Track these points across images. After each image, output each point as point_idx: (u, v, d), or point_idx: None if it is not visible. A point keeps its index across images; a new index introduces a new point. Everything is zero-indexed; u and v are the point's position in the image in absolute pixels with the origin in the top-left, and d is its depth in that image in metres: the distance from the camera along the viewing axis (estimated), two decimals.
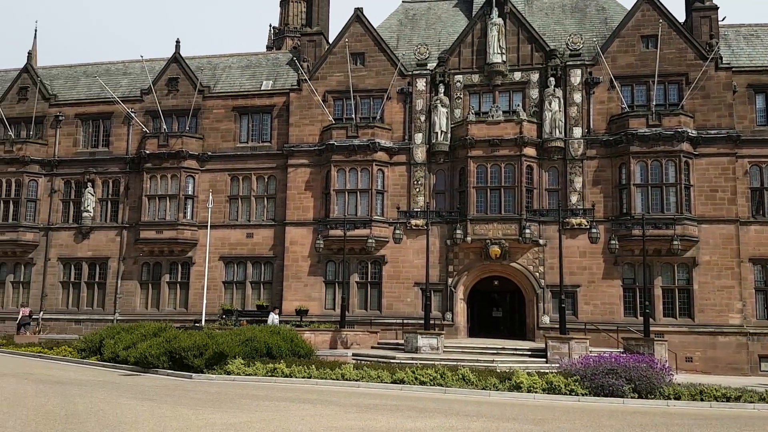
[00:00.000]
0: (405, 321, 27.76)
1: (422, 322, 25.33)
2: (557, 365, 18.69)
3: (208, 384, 15.99)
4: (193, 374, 17.22)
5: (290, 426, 10.07)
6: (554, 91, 28.26)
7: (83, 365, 20.02)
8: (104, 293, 32.76)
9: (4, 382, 14.51)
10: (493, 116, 28.37)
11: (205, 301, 29.63)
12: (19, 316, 29.93)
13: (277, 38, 65.68)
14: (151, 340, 19.14)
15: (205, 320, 28.49)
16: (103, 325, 27.66)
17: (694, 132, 26.91)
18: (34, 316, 31.69)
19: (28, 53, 38.49)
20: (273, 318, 24.33)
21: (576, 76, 28.59)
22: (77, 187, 33.88)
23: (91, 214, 33.19)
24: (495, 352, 23.10)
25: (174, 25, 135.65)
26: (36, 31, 45.57)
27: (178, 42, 34.05)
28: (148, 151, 32.09)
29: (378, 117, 30.30)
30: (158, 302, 31.98)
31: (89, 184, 33.32)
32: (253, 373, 17.15)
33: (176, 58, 33.86)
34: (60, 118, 34.44)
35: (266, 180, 31.90)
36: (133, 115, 33.11)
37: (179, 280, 32.04)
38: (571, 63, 28.72)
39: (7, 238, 33.14)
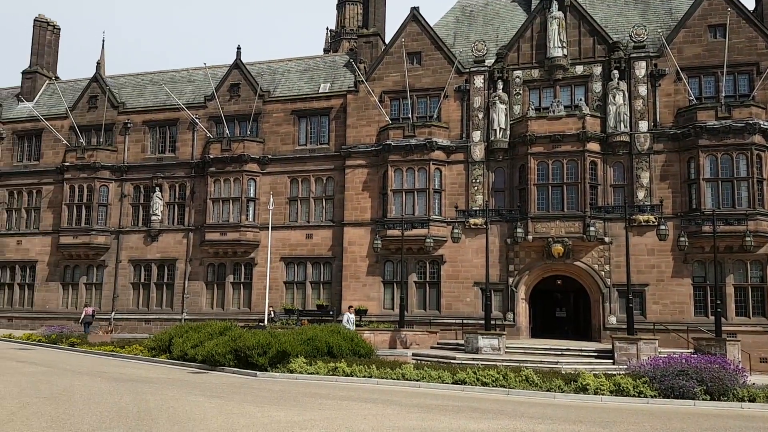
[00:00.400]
0: (464, 321, 27.50)
1: (482, 322, 25.01)
2: (625, 367, 18.10)
3: (272, 382, 16.25)
4: (258, 372, 17.54)
5: (353, 425, 10.10)
6: (618, 84, 27.43)
7: (153, 363, 20.71)
8: (172, 293, 33.88)
9: (79, 380, 15.17)
10: (554, 111, 27.78)
11: (267, 301, 30.20)
12: (83, 315, 31.41)
13: (333, 41, 66.35)
14: (217, 339, 19.63)
15: (268, 319, 29.05)
16: (171, 325, 28.59)
17: (766, 123, 25.58)
18: (106, 317, 33.10)
19: (97, 63, 40.25)
20: (348, 317, 24.06)
21: (641, 69, 27.66)
22: (146, 191, 35.18)
23: (159, 218, 34.38)
24: (559, 353, 22.56)
25: (235, 32, 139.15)
26: (104, 41, 47.79)
27: (239, 49, 34.90)
28: (211, 156, 33.00)
29: (435, 116, 30.16)
30: (223, 302, 32.83)
31: (157, 188, 34.53)
32: (315, 372, 17.33)
33: (237, 65, 34.69)
34: (128, 125, 35.83)
35: (324, 181, 32.26)
36: (197, 121, 34.13)
37: (242, 280, 32.80)
38: (635, 55, 27.80)
39: (81, 241, 34.72)
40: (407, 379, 16.59)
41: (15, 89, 41.20)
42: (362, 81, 31.26)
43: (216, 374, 17.84)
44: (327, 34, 68.98)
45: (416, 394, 14.88)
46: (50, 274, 35.87)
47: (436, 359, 21.29)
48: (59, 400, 11.69)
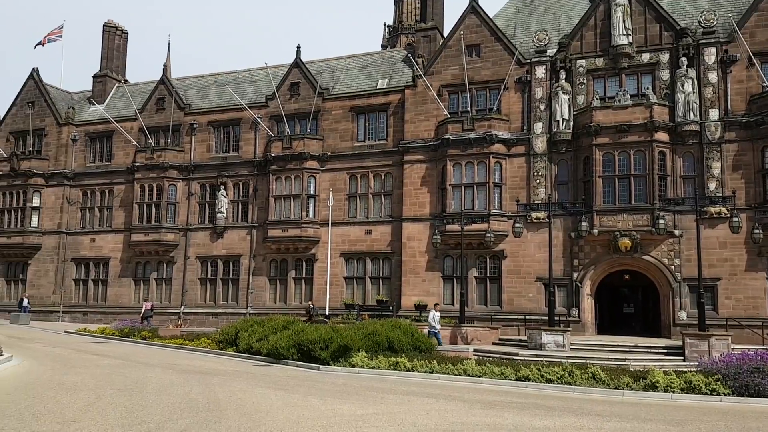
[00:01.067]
0: (527, 317, 27.04)
1: (545, 318, 24.52)
2: (696, 364, 17.37)
3: (335, 376, 16.43)
4: (320, 366, 17.78)
5: (416, 420, 10.08)
6: (687, 71, 26.30)
7: (221, 356, 21.31)
8: (237, 288, 34.78)
9: (151, 372, 15.75)
10: (619, 101, 26.90)
11: (328, 296, 30.58)
12: (143, 310, 32.65)
13: (391, 36, 66.37)
14: (280, 333, 20.01)
15: (329, 314, 29.40)
16: (237, 319, 29.36)
17: None
18: (175, 311, 34.34)
19: (164, 66, 41.68)
20: (434, 315, 22.83)
21: (710, 55, 26.43)
22: (211, 189, 36.21)
23: (224, 215, 35.32)
24: (627, 350, 21.89)
25: (295, 31, 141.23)
26: (169, 44, 49.38)
27: (298, 48, 35.38)
28: (273, 154, 33.63)
29: (494, 108, 29.73)
30: (285, 297, 33.45)
31: (222, 186, 35.49)
32: (376, 367, 17.41)
33: (297, 64, 35.19)
34: (194, 125, 36.94)
35: (383, 177, 32.35)
36: (259, 120, 34.84)
37: (304, 275, 33.32)
38: (704, 41, 26.59)
39: (151, 238, 36.06)
40: (469, 375, 16.46)
41: (87, 93, 43.13)
42: (420, 75, 31.15)
43: (280, 367, 18.19)
44: (384, 29, 69.05)
45: (478, 390, 14.73)
46: (122, 270, 37.43)
47: (498, 355, 21.03)
48: (132, 391, 12.17)
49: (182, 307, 35.28)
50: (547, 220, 26.31)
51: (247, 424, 9.15)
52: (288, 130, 34.20)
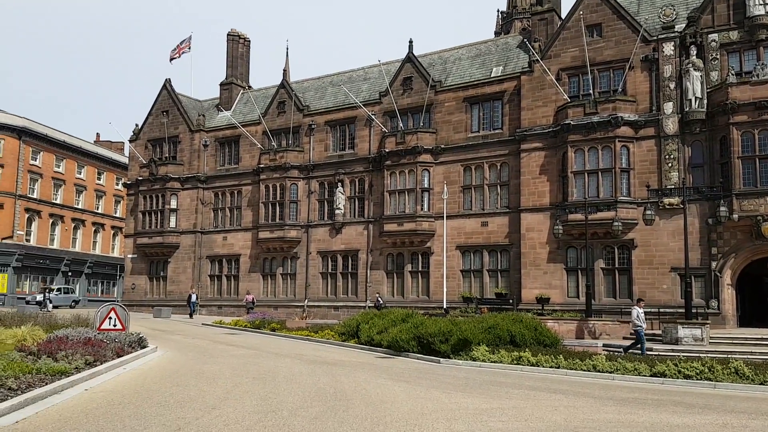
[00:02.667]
0: (660, 310, 25.39)
1: (682, 311, 22.92)
2: None
3: (456, 369, 16.28)
4: (441, 359, 17.70)
5: (544, 415, 9.72)
6: None
7: (343, 347, 21.84)
8: (356, 282, 35.60)
9: (281, 362, 16.44)
10: (758, 75, 24.58)
11: (445, 289, 30.45)
12: (246, 301, 35.05)
13: (505, 22, 64.97)
14: (400, 326, 20.16)
15: (447, 307, 29.26)
16: (357, 311, 30.03)
17: None
18: (300, 304, 35.81)
19: (283, 70, 43.43)
20: (638, 312, 19.54)
21: None
22: (329, 187, 37.31)
23: (342, 211, 36.26)
24: None
25: (407, 25, 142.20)
26: (287, 49, 51.36)
27: (410, 42, 35.46)
28: (387, 150, 34.01)
29: (619, 89, 28.18)
30: (402, 290, 33.76)
31: (339, 183, 36.45)
32: (498, 361, 17.04)
33: (409, 58, 35.31)
34: (312, 126, 38.19)
35: (498, 167, 31.68)
36: (373, 117, 35.37)
37: (420, 269, 33.44)
38: None
39: (276, 235, 37.77)
40: (599, 371, 15.67)
41: (215, 100, 45.91)
42: (537, 60, 30.13)
43: (401, 359, 18.32)
44: (498, 16, 67.69)
45: (609, 386, 13.98)
46: (251, 266, 39.52)
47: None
48: (266, 379, 12.74)
49: (306, 300, 36.64)
50: (682, 206, 24.52)
51: (374, 414, 9.26)
52: (401, 125, 34.42)
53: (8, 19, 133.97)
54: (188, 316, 37.33)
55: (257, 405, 9.76)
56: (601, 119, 27.54)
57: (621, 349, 19.38)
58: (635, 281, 27.05)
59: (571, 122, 28.18)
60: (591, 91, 28.76)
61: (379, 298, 32.97)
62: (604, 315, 25.68)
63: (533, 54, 30.48)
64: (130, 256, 44.30)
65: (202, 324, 32.13)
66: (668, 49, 27.29)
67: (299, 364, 15.77)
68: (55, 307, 41.53)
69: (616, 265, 27.76)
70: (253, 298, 36.48)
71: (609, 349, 20.37)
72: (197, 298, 38.95)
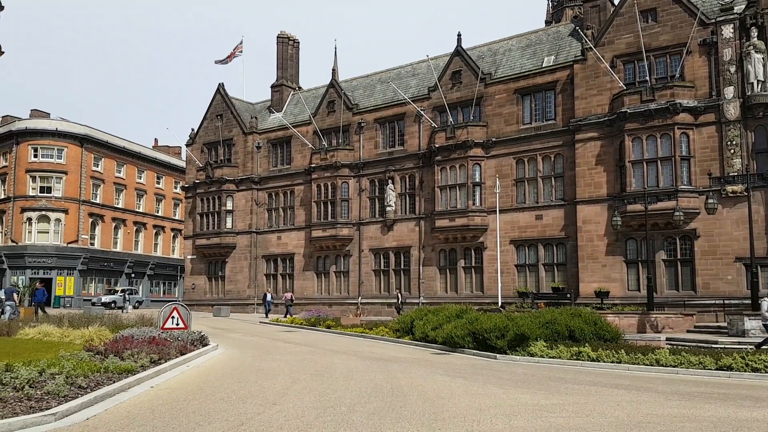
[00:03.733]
0: (725, 301, 24.42)
1: (748, 302, 21.98)
2: None
3: (513, 365, 16.08)
4: (497, 355, 17.51)
5: (606, 411, 9.49)
6: None
7: (398, 344, 21.88)
8: (409, 279, 35.60)
9: (337, 358, 16.60)
10: None
11: (500, 285, 30.09)
12: (284, 300, 36.01)
13: (555, 11, 63.71)
14: (455, 322, 20.03)
15: (502, 303, 28.93)
16: (410, 308, 30.04)
17: None
18: (354, 301, 36.09)
19: (332, 70, 43.73)
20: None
21: None
22: (380, 184, 37.43)
23: (393, 208, 36.33)
24: None
25: (456, 19, 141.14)
26: (336, 48, 51.78)
27: (459, 36, 35.19)
28: (437, 145, 33.85)
29: (677, 75, 27.22)
30: (456, 286, 33.55)
31: (389, 181, 36.53)
32: (557, 356, 16.73)
33: (458, 52, 35.03)
34: (362, 124, 38.38)
35: (552, 159, 31.10)
36: (422, 112, 35.26)
37: (473, 264, 33.18)
38: None
39: (328, 234, 38.16)
40: (662, 365, 15.19)
41: (266, 102, 46.71)
42: (590, 48, 29.40)
43: (456, 355, 18.22)
44: (548, 4, 66.43)
45: (673, 380, 13.54)
46: (305, 264, 40.06)
47: (694, 344, 19.21)
48: (323, 376, 12.90)
49: (359, 297, 36.88)
50: (746, 194, 23.52)
51: (431, 410, 9.24)
52: (451, 119, 34.18)
53: (69, 30, 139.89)
54: (264, 315, 37.45)
55: (316, 401, 9.88)
56: (659, 106, 26.65)
57: (753, 346, 17.62)
58: (698, 272, 26.10)
59: (628, 110, 27.38)
60: (647, 78, 27.88)
61: (399, 293, 33.45)
62: (666, 308, 24.88)
63: (586, 42, 29.75)
64: (189, 256, 45.60)
65: (260, 322, 32.78)
66: (727, 31, 26.18)
67: (355, 361, 15.89)
68: (119, 307, 43.20)
69: (678, 257, 26.85)
70: (291, 296, 37.06)
71: (672, 342, 19.75)
72: (271, 298, 38.56)
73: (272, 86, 45.80)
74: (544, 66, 32.17)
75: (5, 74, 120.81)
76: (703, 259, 26.12)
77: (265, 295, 38.59)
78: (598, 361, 16.04)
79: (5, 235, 52.64)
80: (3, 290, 30.16)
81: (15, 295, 28.48)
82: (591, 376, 13.88)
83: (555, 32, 34.84)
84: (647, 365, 15.40)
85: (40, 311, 28.71)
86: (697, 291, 26.06)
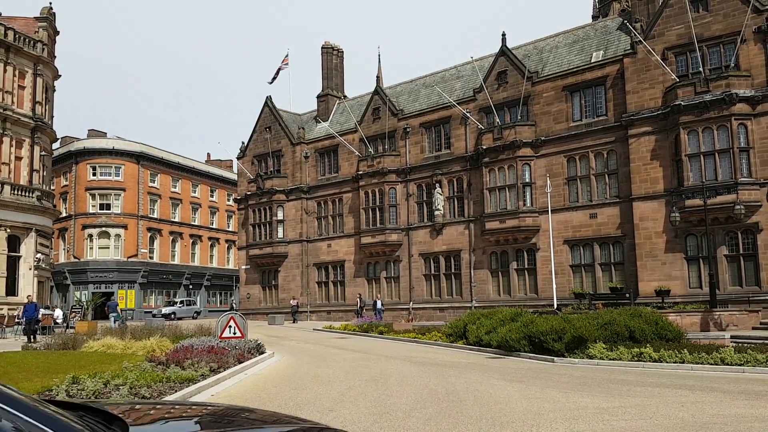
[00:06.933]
0: None
1: None
2: None
3: (572, 368, 15.74)
4: (555, 358, 17.17)
5: (670, 412, 9.17)
6: None
7: (451, 348, 21.73)
8: (460, 282, 35.33)
9: (391, 364, 16.60)
10: None
11: (554, 286, 29.53)
12: (291, 307, 37.79)
13: (602, 5, 62.31)
14: (509, 325, 19.76)
15: (558, 305, 28.37)
16: (462, 312, 29.78)
17: None
18: (405, 307, 36.04)
19: (377, 77, 43.96)
20: None
21: None
22: (427, 189, 37.35)
23: (441, 212, 36.17)
24: None
25: (500, 19, 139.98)
26: (379, 56, 52.05)
27: (503, 35, 34.82)
28: (484, 146, 33.55)
29: (732, 65, 26.22)
30: (509, 288, 33.10)
31: (437, 184, 36.39)
32: (617, 358, 16.29)
33: (503, 51, 34.69)
34: (407, 129, 38.41)
35: (605, 156, 30.38)
36: (468, 114, 35.04)
37: (526, 266, 32.67)
38: None
39: (377, 240, 38.28)
40: (727, 364, 14.61)
41: (312, 112, 47.31)
42: (640, 41, 28.65)
43: (512, 359, 17.96)
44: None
45: (740, 380, 13.01)
46: (356, 271, 40.29)
47: (761, 341, 18.39)
48: (378, 381, 12.92)
49: (411, 302, 36.81)
50: None
51: (488, 415, 9.12)
52: (498, 120, 33.84)
53: (121, 51, 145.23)
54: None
55: (372, 406, 9.90)
56: (714, 97, 25.73)
57: (747, 340, 17.74)
58: (762, 267, 25.01)
59: (682, 103, 26.53)
60: (701, 69, 26.96)
61: (359, 295, 34.98)
62: (730, 305, 23.92)
63: (635, 35, 29.00)
64: (243, 267, 46.52)
65: (313, 329, 33.12)
66: None
67: (409, 366, 15.85)
68: (178, 318, 44.36)
69: (741, 251, 25.79)
70: (297, 303, 38.75)
71: (738, 340, 18.97)
72: (382, 304, 36.33)
73: (318, 96, 46.37)
74: (592, 61, 31.51)
75: (63, 96, 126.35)
76: (767, 253, 25.00)
77: (375, 302, 36.34)
78: (660, 362, 15.55)
79: (68, 251, 54.91)
80: (108, 305, 35.15)
81: (118, 308, 33.90)
82: (653, 378, 13.47)
83: (602, 27, 34.10)
84: (712, 364, 14.85)
85: (32, 337, 24.62)
86: (761, 286, 24.95)
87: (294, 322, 38.20)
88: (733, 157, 25.47)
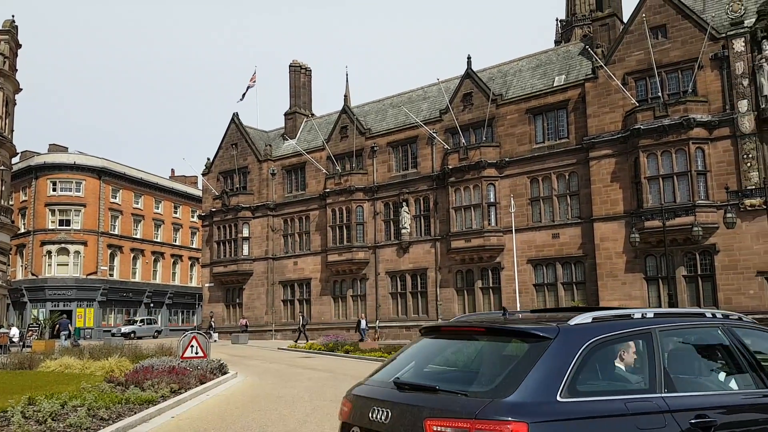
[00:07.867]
0: (750, 316, 23.95)
1: None
2: None
3: None
4: None
5: None
6: None
7: None
8: (426, 301, 35.43)
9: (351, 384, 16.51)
10: None
11: (519, 305, 29.85)
12: (240, 325, 39.19)
13: (564, 30, 64.12)
14: None
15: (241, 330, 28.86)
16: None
17: None
18: (372, 325, 35.91)
19: (344, 96, 44.29)
20: None
21: None
22: (394, 207, 37.50)
23: (408, 230, 36.31)
24: None
25: (465, 42, 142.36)
26: (347, 75, 52.39)
27: (469, 58, 35.44)
28: (450, 166, 33.91)
29: (689, 90, 27.16)
30: (474, 307, 33.31)
31: (404, 203, 36.58)
32: None
33: (468, 74, 35.26)
34: (375, 148, 38.60)
35: (567, 177, 31.01)
36: (434, 135, 35.42)
37: (491, 285, 32.98)
38: None
39: (344, 258, 38.18)
40: None
41: (280, 130, 47.19)
42: (601, 66, 29.48)
43: None
44: (557, 24, 66.90)
45: None
46: (322, 289, 40.05)
47: None
48: None
49: (377, 321, 36.71)
50: (765, 207, 23.26)
51: None
52: (463, 141, 34.29)
53: (83, 66, 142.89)
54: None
55: (336, 428, 9.83)
56: (673, 122, 26.57)
57: None
58: (720, 288, 25.75)
59: (641, 126, 27.33)
60: (660, 94, 27.85)
61: (303, 314, 36.34)
62: None
63: (596, 60, 29.84)
64: (207, 284, 45.80)
65: (278, 348, 32.70)
66: (738, 45, 26.14)
67: None
68: (138, 337, 43.33)
69: (699, 272, 26.52)
70: (246, 322, 39.34)
71: None
72: (367, 324, 35.15)
73: (285, 114, 46.32)
74: (555, 85, 32.27)
75: (24, 110, 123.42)
76: (723, 274, 25.78)
77: (359, 321, 35.25)
78: None
79: (26, 268, 53.30)
80: (59, 322, 35.20)
81: (69, 326, 34.05)
82: None
83: (565, 52, 34.98)
84: None
85: None
86: (718, 306, 25.66)
87: (243, 343, 37.11)
88: (691, 180, 26.28)
